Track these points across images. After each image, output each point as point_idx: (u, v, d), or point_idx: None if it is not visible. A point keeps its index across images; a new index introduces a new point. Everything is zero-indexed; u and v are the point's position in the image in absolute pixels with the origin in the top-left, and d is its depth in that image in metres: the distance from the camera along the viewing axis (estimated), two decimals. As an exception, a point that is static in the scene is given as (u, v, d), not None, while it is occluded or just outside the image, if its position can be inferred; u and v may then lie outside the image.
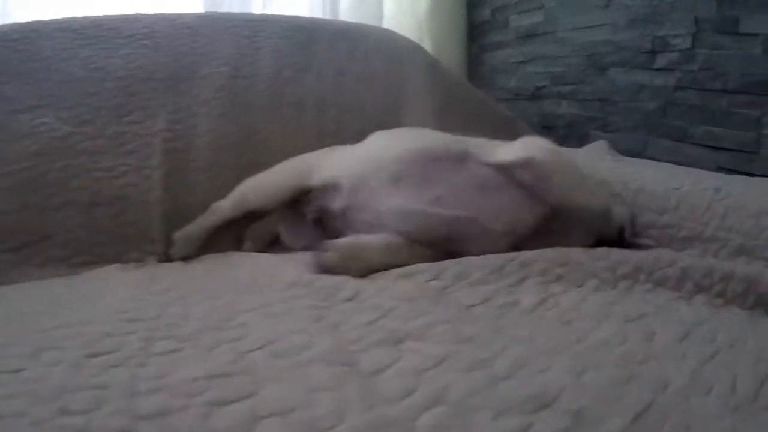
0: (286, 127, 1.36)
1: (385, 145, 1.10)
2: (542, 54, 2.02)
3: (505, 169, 0.96)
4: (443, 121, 1.51)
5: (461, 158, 1.00)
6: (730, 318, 0.74)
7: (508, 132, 1.70)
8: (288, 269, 0.87)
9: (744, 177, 1.10)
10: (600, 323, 0.67)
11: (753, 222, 0.92)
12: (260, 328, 0.62)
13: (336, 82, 1.46)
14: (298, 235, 1.14)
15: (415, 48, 1.68)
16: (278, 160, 1.25)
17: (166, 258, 1.11)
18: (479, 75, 2.35)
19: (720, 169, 1.52)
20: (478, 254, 0.87)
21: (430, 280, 0.79)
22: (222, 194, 1.19)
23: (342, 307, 0.70)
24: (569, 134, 1.97)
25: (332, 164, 1.12)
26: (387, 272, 0.85)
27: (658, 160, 1.66)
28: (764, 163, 1.46)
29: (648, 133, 1.73)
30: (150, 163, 1.19)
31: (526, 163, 0.94)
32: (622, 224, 1.00)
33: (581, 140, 1.93)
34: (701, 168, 1.58)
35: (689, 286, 0.80)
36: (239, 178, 1.20)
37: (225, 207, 1.14)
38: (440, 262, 0.85)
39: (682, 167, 1.23)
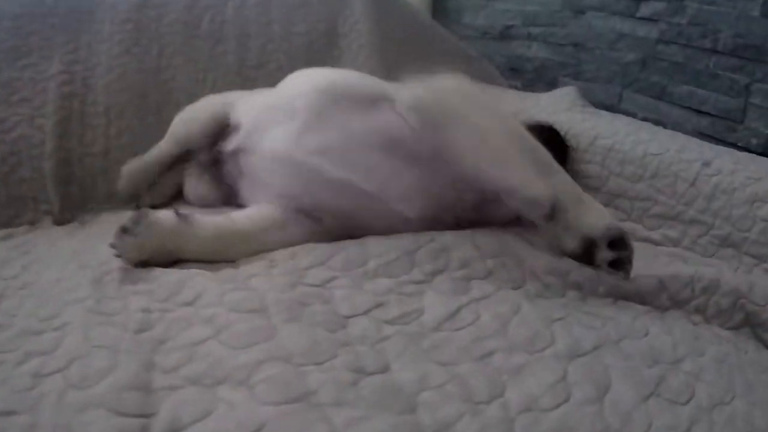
0: (200, 62, 1.18)
1: (292, 83, 0.88)
2: (514, -12, 1.80)
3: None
4: (390, 59, 1.33)
5: (373, 101, 0.75)
6: (711, 340, 0.59)
7: (471, 74, 1.52)
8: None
9: (732, 151, 0.90)
10: (532, 361, 0.49)
11: (745, 209, 0.76)
12: (72, 338, 0.50)
13: (262, 9, 1.25)
14: (197, 190, 0.98)
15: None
16: (189, 102, 1.09)
17: (61, 219, 0.99)
18: (444, 10, 2.11)
19: (699, 134, 1.38)
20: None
21: (309, 268, 0.61)
22: (123, 142, 1.08)
23: (175, 315, 0.53)
24: (537, 79, 1.78)
25: (246, 103, 0.95)
26: (262, 255, 0.67)
27: (633, 116, 1.51)
28: (747, 133, 1.33)
29: (624, 87, 1.57)
30: (44, 111, 1.06)
31: (413, 105, 0.69)
32: (589, 235, 0.65)
33: (550, 87, 1.74)
34: (678, 131, 1.46)
35: (663, 299, 0.63)
36: (142, 123, 1.09)
37: (163, 141, 1.02)
38: (334, 243, 0.66)
39: (666, 130, 1.03)
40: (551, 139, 0.93)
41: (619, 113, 1.52)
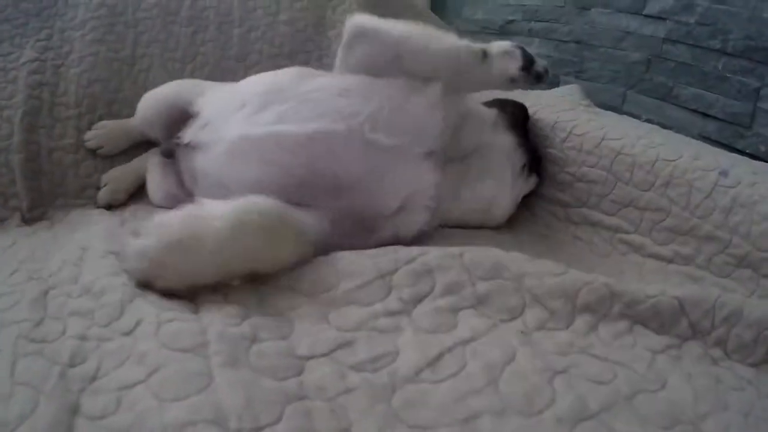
0: (177, 51, 1.12)
1: (257, 78, 0.85)
2: (516, -18, 1.73)
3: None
4: None
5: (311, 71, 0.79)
6: (733, 385, 0.51)
7: None
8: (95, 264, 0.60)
9: (749, 160, 0.81)
10: (528, 426, 0.41)
11: (766, 226, 0.66)
12: None
13: (246, -6, 1.18)
14: (162, 187, 0.91)
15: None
16: None
17: (31, 216, 0.94)
18: (443, 2, 2.03)
19: (705, 139, 1.32)
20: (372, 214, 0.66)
21: (270, 291, 0.53)
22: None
23: (111, 347, 0.46)
24: (538, 79, 1.71)
25: (213, 94, 0.89)
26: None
27: (637, 118, 1.45)
28: (756, 140, 1.26)
29: (628, 87, 1.50)
30: (13, 102, 1.01)
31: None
32: (506, 71, 0.77)
33: (551, 84, 1.67)
34: (683, 135, 1.40)
35: (683, 327, 0.56)
36: (115, 117, 1.04)
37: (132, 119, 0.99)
38: (303, 262, 0.58)
39: (678, 135, 0.94)
40: (516, 116, 0.89)
41: (622, 115, 1.48)
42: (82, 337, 0.47)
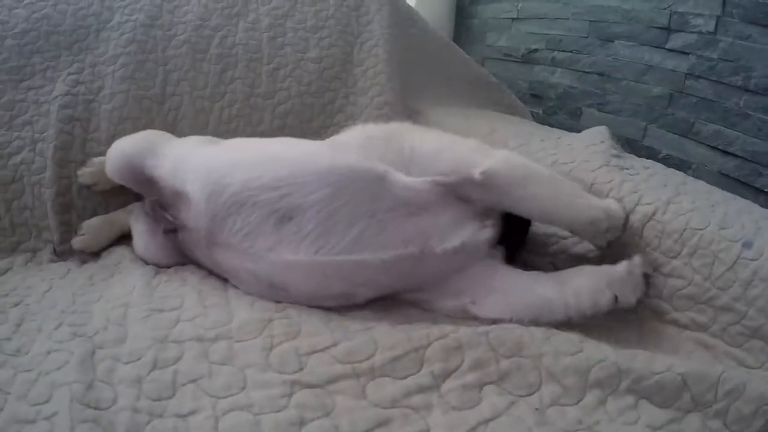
0: (205, 88, 1.16)
1: (266, 157, 0.80)
2: (540, 12, 1.73)
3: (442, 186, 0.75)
4: (408, 85, 1.29)
5: (380, 178, 0.75)
6: None
7: (489, 99, 1.48)
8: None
9: None
10: None
11: None
12: None
13: (275, 32, 1.21)
14: (150, 251, 0.90)
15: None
16: (191, 134, 1.07)
17: (61, 249, 0.99)
18: (467, 29, 2.05)
19: (722, 176, 1.32)
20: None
21: (310, 353, 0.58)
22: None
23: (165, 425, 0.51)
24: (559, 107, 1.72)
25: (180, 157, 0.87)
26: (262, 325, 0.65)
27: (657, 153, 1.46)
28: (775, 180, 1.26)
29: (649, 121, 1.50)
30: (45, 135, 1.04)
31: (484, 181, 0.74)
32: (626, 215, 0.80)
33: (572, 115, 1.69)
34: (702, 171, 1.40)
35: (686, 401, 0.60)
36: None
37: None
38: (339, 327, 0.65)
39: (705, 189, 0.94)
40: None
41: (642, 149, 1.48)
42: (134, 410, 0.51)
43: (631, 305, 0.72)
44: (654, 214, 0.82)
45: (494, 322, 0.69)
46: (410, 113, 1.28)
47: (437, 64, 1.42)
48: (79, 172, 1.02)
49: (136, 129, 1.07)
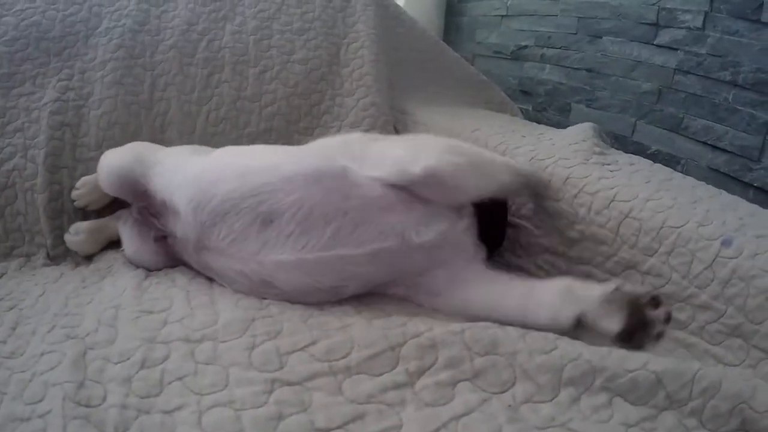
0: (192, 92, 1.17)
1: (241, 168, 0.83)
2: (529, 9, 1.74)
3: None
4: (396, 85, 1.29)
5: (341, 175, 0.78)
6: None
7: (479, 97, 1.48)
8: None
9: (760, 213, 0.82)
10: None
11: (761, 300, 0.68)
12: None
13: (261, 35, 1.22)
14: (141, 255, 0.92)
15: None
16: (180, 138, 1.11)
17: (54, 254, 1.01)
18: (457, 26, 2.06)
19: (713, 171, 1.33)
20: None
21: (290, 353, 0.61)
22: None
23: (152, 421, 0.54)
24: (549, 103, 1.73)
25: (168, 169, 0.90)
26: (244, 326, 0.67)
27: (646, 148, 1.46)
28: (763, 173, 1.26)
29: (638, 117, 1.51)
30: (36, 141, 1.05)
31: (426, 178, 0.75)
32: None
33: (561, 112, 1.69)
34: (692, 167, 1.40)
35: (660, 398, 0.60)
36: None
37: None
38: (319, 325, 0.67)
39: (689, 185, 0.93)
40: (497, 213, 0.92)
41: (631, 145, 1.48)
42: (123, 406, 0.54)
43: (611, 335, 0.67)
44: (630, 211, 0.82)
45: (468, 319, 0.70)
46: (397, 114, 1.28)
47: (426, 63, 1.42)
48: (73, 196, 1.03)
49: (124, 134, 1.09)
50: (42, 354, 0.65)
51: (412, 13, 1.52)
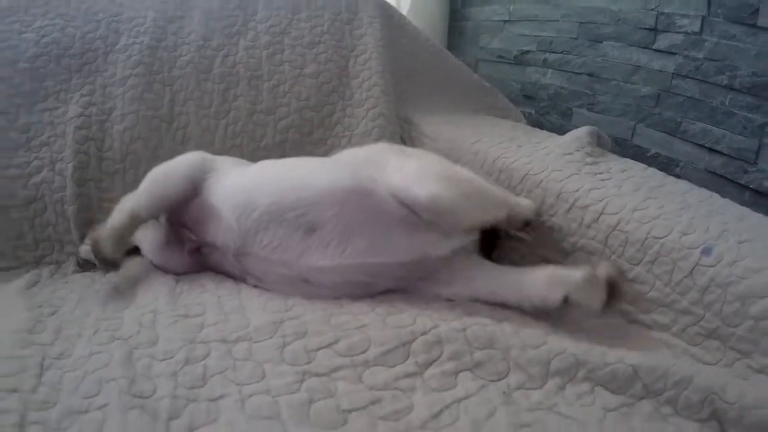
0: (210, 107, 1.23)
1: (283, 181, 0.92)
2: (530, 14, 1.77)
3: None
4: (403, 94, 1.35)
5: (370, 193, 0.87)
6: None
7: (483, 103, 1.53)
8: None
9: (746, 215, 0.89)
10: None
11: (736, 306, 0.75)
12: (113, 422, 0.59)
13: (274, 49, 1.26)
14: (163, 257, 0.99)
15: (375, 2, 1.43)
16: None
17: (83, 262, 1.05)
18: (461, 31, 2.09)
19: (710, 173, 1.37)
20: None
21: (317, 350, 0.70)
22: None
23: (200, 408, 0.62)
24: (551, 108, 1.77)
25: (222, 185, 0.95)
26: (275, 326, 0.75)
27: (646, 151, 1.50)
28: (759, 175, 1.31)
29: (637, 121, 1.55)
30: (63, 155, 1.11)
31: (427, 205, 0.84)
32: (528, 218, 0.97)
33: (563, 116, 1.74)
34: (689, 169, 1.44)
35: (637, 388, 0.68)
36: None
37: (137, 197, 0.98)
38: (339, 325, 0.76)
39: (679, 190, 0.99)
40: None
41: (631, 148, 1.53)
42: (174, 396, 0.62)
43: (595, 310, 0.79)
44: (618, 224, 0.89)
45: (468, 314, 0.79)
46: (403, 124, 1.33)
47: (430, 71, 1.47)
48: (80, 251, 1.05)
49: (147, 148, 1.15)
50: (91, 354, 0.72)
51: (416, 18, 1.57)
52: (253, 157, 1.19)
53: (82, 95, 1.16)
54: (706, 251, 0.80)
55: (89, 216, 1.10)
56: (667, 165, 1.45)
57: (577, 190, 0.98)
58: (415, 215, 0.85)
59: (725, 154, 1.36)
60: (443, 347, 0.71)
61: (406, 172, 0.87)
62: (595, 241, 0.91)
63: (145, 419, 0.59)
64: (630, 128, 1.56)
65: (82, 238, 1.07)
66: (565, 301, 0.80)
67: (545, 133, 1.36)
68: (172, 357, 0.69)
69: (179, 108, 1.19)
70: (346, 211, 0.84)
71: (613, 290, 0.80)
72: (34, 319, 0.84)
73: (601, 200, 0.94)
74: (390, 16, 1.42)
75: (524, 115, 1.72)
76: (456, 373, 0.68)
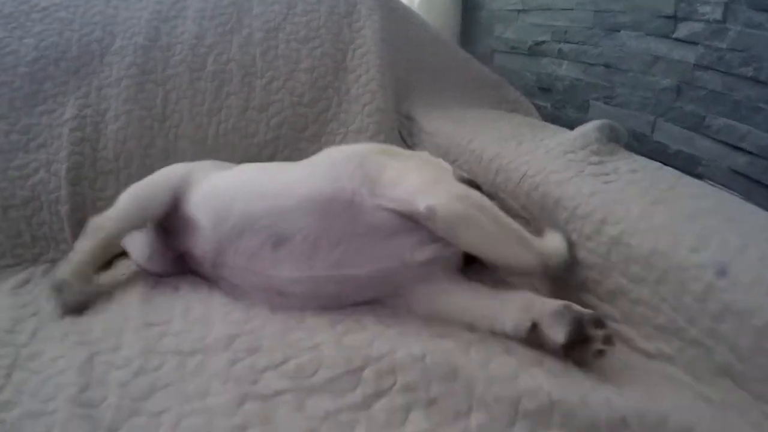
0: (203, 104, 1.21)
1: (256, 189, 0.89)
2: (544, 3, 1.69)
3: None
4: (402, 89, 1.31)
5: (349, 202, 0.82)
6: None
7: (493, 97, 1.47)
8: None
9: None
10: None
11: (753, 339, 0.61)
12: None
13: (268, 45, 1.23)
14: (151, 262, 0.96)
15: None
16: (194, 150, 1.16)
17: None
18: (475, 21, 2.02)
19: (733, 173, 1.28)
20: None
21: (264, 370, 0.66)
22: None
23: (138, 422, 0.61)
24: (567, 100, 1.69)
25: (201, 194, 0.93)
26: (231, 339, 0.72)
27: (667, 148, 1.42)
28: (787, 176, 1.21)
29: (657, 115, 1.46)
30: (59, 156, 1.12)
31: (428, 216, 0.78)
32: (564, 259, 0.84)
33: (579, 109, 1.65)
34: (712, 168, 1.35)
35: None
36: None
37: (110, 219, 0.96)
38: (294, 343, 0.71)
39: (690, 189, 0.85)
40: None
41: (651, 144, 1.44)
42: (118, 407, 0.62)
43: (556, 346, 0.70)
44: (620, 236, 0.79)
45: (438, 335, 0.73)
46: (403, 119, 1.28)
47: (435, 64, 1.42)
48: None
49: (140, 146, 1.15)
50: (57, 357, 0.72)
51: (429, 8, 1.52)
52: (246, 153, 1.18)
53: (77, 97, 1.16)
54: (721, 272, 0.66)
55: (82, 215, 1.09)
56: (688, 163, 1.36)
57: (576, 195, 0.88)
58: (399, 221, 0.80)
59: (750, 152, 1.27)
60: (396, 377, 0.64)
61: (408, 182, 0.82)
62: (595, 256, 0.82)
63: (85, 429, 0.58)
64: (650, 123, 1.47)
65: (75, 237, 1.06)
66: (534, 329, 0.73)
67: (553, 128, 1.28)
68: (128, 365, 0.68)
69: (172, 107, 1.18)
70: (318, 222, 0.81)
71: (582, 330, 0.69)
72: (15, 319, 0.85)
73: (603, 207, 0.83)
74: (392, 8, 1.37)
75: (539, 109, 1.65)
76: (408, 409, 0.61)
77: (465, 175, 1.02)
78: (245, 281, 0.85)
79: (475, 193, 0.84)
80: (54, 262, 1.07)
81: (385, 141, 1.20)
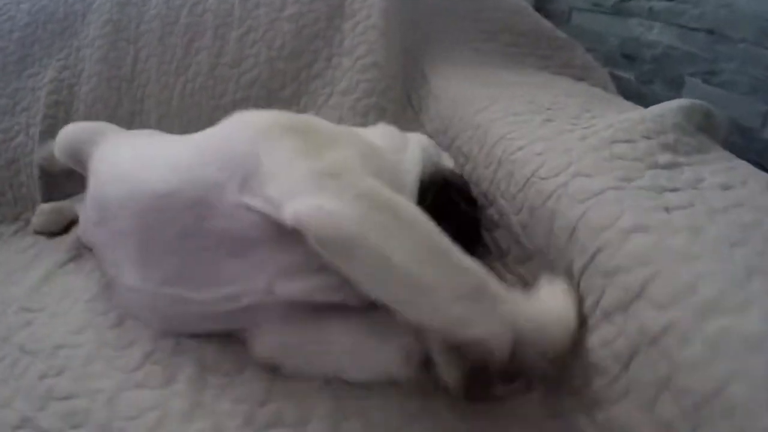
0: (171, 62, 1.10)
1: (121, 167, 0.72)
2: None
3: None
4: (432, 37, 1.11)
5: (198, 201, 0.59)
6: None
7: (552, 58, 1.15)
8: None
9: None
10: None
11: None
12: None
13: (248, -8, 1.07)
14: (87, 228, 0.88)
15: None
16: (156, 112, 1.06)
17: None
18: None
19: None
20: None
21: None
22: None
23: None
24: (656, 73, 1.31)
25: (98, 158, 0.83)
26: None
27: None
28: None
29: (772, 103, 1.07)
30: (36, 120, 1.12)
31: (296, 227, 0.49)
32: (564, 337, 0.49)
33: (672, 85, 1.28)
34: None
35: None
36: None
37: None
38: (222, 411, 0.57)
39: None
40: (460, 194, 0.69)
41: (760, 143, 1.06)
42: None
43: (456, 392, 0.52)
44: (674, 337, 0.41)
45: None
46: (417, 77, 1.05)
47: (469, 4, 1.15)
48: (33, 221, 1.04)
49: (107, 108, 1.09)
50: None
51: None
52: (213, 116, 1.02)
53: (58, 59, 1.14)
54: None
55: (53, 180, 1.08)
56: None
57: (607, 226, 0.50)
58: (269, 231, 0.56)
59: None
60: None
61: (292, 177, 0.54)
62: (617, 355, 0.46)
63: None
64: (761, 114, 1.08)
65: (46, 200, 1.07)
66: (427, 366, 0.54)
67: (622, 103, 0.86)
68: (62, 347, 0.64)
69: (141, 65, 1.09)
70: (151, 221, 0.61)
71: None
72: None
73: (649, 263, 0.45)
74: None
75: (620, 82, 1.29)
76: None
77: (448, 169, 0.76)
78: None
79: (398, 200, 0.51)
80: (28, 222, 1.06)
81: (376, 105, 0.97)
